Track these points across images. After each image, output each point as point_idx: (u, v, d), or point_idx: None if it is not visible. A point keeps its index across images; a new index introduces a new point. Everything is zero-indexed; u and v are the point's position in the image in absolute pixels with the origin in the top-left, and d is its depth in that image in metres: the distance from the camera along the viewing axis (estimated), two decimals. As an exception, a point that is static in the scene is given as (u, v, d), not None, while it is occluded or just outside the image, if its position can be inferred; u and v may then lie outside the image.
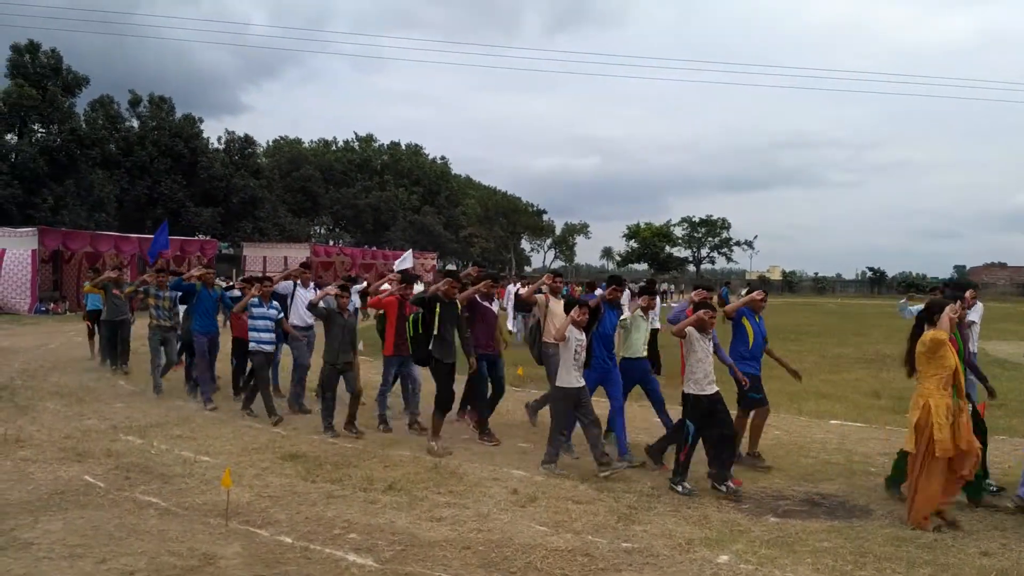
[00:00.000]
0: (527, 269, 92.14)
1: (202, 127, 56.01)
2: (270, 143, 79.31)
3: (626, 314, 8.44)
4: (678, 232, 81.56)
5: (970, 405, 11.02)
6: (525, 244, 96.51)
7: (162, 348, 11.38)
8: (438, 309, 8.36)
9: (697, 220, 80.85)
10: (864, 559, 5.34)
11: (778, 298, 49.10)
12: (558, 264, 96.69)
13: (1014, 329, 29.44)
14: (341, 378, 9.14)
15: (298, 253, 40.80)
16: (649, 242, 78.46)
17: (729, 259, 79.66)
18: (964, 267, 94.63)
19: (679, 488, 6.90)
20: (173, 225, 47.26)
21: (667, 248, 79.18)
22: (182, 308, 11.57)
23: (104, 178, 46.99)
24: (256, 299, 9.80)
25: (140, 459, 7.62)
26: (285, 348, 10.84)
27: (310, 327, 10.83)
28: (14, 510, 5.98)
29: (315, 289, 11.01)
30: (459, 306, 8.66)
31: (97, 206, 45.55)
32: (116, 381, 12.38)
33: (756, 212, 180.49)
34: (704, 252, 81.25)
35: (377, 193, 74.89)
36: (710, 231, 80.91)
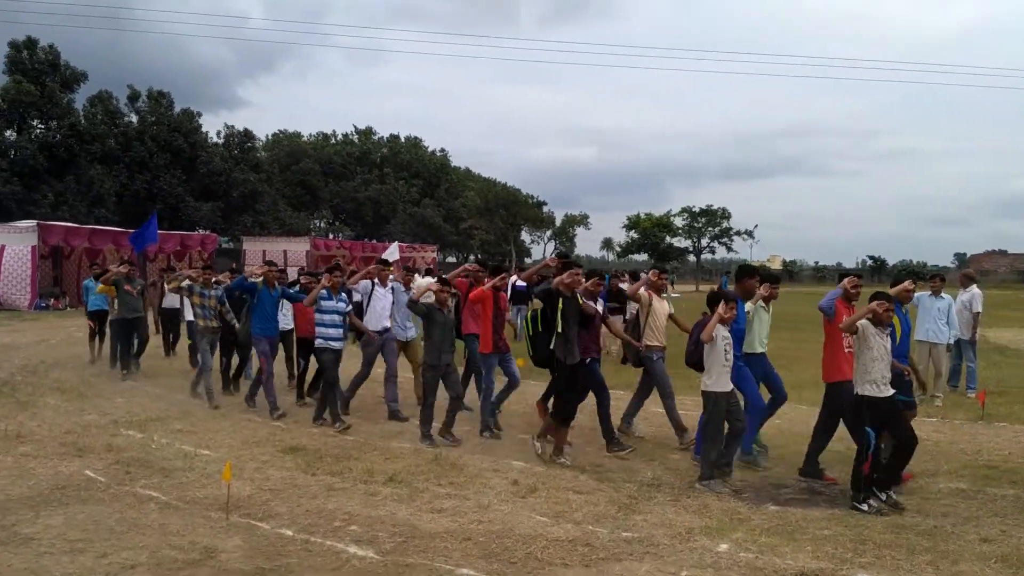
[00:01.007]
0: (527, 260, 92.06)
1: (201, 121, 55.97)
2: (269, 137, 79.22)
3: (748, 306, 7.74)
4: (678, 222, 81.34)
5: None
6: (525, 236, 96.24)
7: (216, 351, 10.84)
8: (560, 304, 7.52)
9: (697, 210, 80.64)
10: (864, 546, 5.35)
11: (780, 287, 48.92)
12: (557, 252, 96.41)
13: (1015, 316, 29.44)
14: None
15: (298, 247, 40.82)
16: (649, 232, 78.27)
17: (730, 248, 79.39)
18: (965, 255, 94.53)
19: (865, 507, 6.21)
20: (173, 220, 47.39)
21: (667, 238, 79.03)
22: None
23: (103, 173, 46.98)
24: (325, 291, 9.16)
25: (140, 453, 7.63)
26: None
27: (387, 330, 9.89)
28: (15, 505, 5.99)
29: (386, 288, 10.03)
30: (580, 300, 7.84)
31: (97, 202, 45.57)
32: (119, 376, 12.35)
33: (756, 201, 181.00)
34: (704, 242, 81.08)
35: (377, 186, 74.77)
36: (710, 221, 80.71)
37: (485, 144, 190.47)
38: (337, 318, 9.20)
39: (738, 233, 78.75)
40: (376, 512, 5.98)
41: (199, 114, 55.91)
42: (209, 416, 9.53)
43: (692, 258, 76.58)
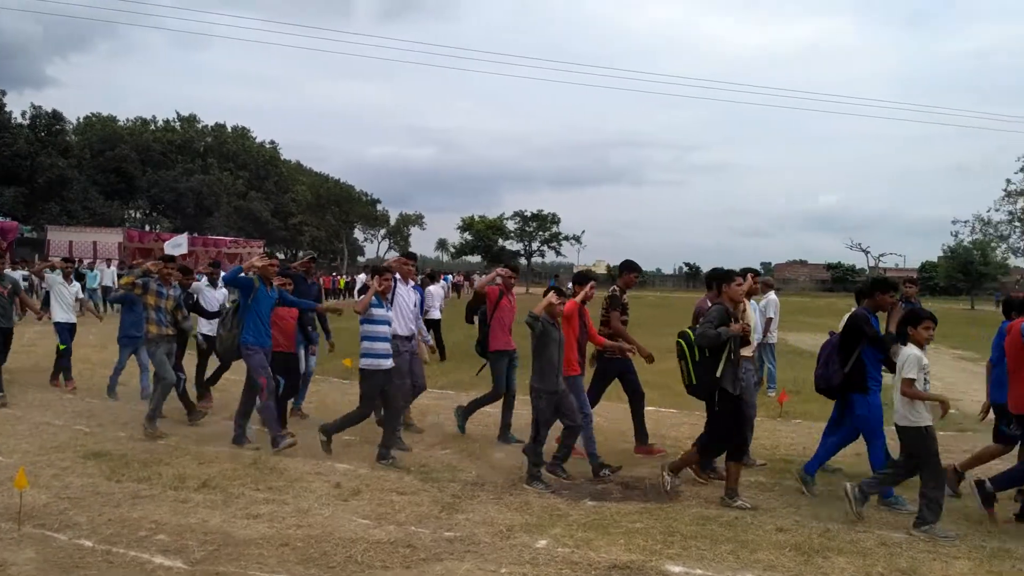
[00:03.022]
0: (360, 259, 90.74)
1: (4, 100, 51.31)
2: (81, 120, 73.75)
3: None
4: (510, 225, 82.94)
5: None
6: (358, 234, 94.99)
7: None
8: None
9: (529, 214, 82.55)
10: (672, 538, 5.63)
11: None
12: (393, 255, 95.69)
13: (813, 321, 32.01)
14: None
15: (110, 238, 38.38)
16: (483, 234, 79.29)
17: (558, 253, 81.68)
18: (770, 263, 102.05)
19: None
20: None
21: (500, 241, 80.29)
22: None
23: None
24: (376, 297, 7.70)
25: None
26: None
27: (412, 336, 8.70)
28: None
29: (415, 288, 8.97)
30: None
31: None
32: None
33: (585, 208, 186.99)
34: (535, 246, 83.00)
35: (200, 176, 71.34)
36: (541, 225, 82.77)
37: (318, 138, 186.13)
38: (388, 330, 7.80)
39: (567, 238, 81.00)
40: (186, 520, 5.68)
41: (3, 92, 51.30)
42: (2, 419, 8.73)
43: (523, 261, 78.10)
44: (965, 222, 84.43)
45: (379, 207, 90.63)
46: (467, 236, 79.65)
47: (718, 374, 6.56)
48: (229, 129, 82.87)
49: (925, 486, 6.01)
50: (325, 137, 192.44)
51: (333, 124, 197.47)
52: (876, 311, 7.03)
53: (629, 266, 8.74)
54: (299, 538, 5.41)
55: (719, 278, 7.08)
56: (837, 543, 5.65)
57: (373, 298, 7.62)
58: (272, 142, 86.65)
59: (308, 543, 5.32)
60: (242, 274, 8.04)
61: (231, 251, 43.36)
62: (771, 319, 12.65)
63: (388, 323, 7.78)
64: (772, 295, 12.93)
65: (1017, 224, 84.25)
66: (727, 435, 6.63)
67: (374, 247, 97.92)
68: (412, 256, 9.33)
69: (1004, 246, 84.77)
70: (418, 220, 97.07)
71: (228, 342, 8.15)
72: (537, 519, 5.97)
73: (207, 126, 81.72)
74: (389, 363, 7.62)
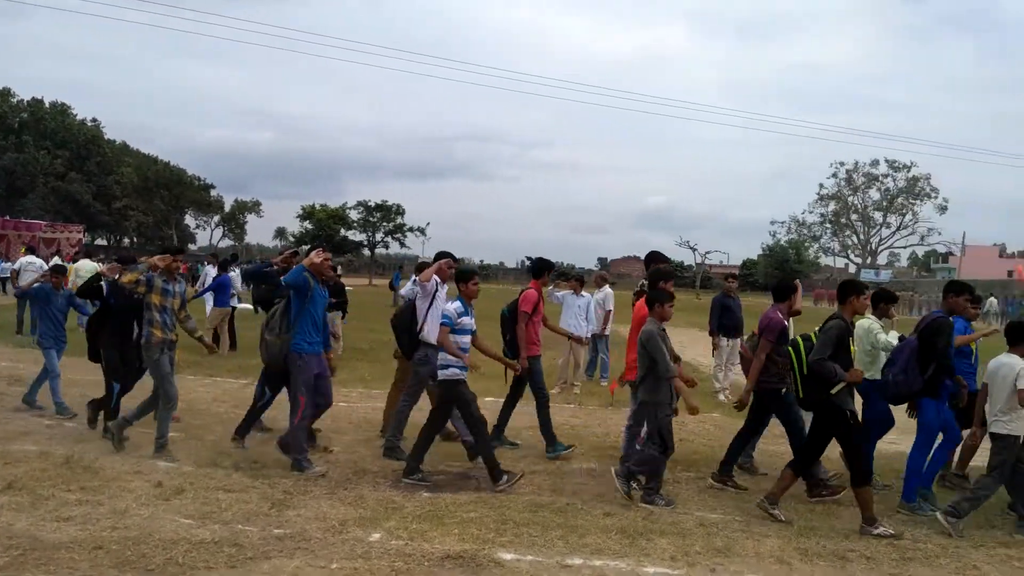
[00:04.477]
0: (191, 247, 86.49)
1: None
2: None
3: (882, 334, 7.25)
4: (354, 215, 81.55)
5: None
6: (190, 220, 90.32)
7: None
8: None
9: (373, 204, 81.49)
10: (505, 526, 5.74)
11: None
12: (227, 243, 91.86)
13: (644, 314, 33.38)
14: None
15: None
16: (324, 224, 77.51)
17: (403, 244, 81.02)
18: (606, 259, 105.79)
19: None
20: None
21: (342, 231, 78.84)
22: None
23: None
24: (460, 301, 7.10)
25: None
26: None
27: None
28: None
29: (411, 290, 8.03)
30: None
31: None
32: None
33: (430, 200, 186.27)
34: (379, 236, 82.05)
35: (13, 155, 65.78)
36: (385, 216, 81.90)
37: (147, 118, 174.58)
38: (469, 337, 7.20)
39: (411, 230, 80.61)
40: (-13, 525, 5.23)
41: None
42: None
43: (367, 252, 77.06)
44: (782, 223, 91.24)
45: (213, 192, 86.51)
46: (307, 225, 77.64)
47: (833, 392, 6.20)
48: (47, 105, 76.76)
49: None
50: (154, 117, 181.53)
51: (164, 104, 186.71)
52: (951, 315, 7.06)
53: (658, 258, 8.31)
54: (115, 540, 5.10)
55: (846, 289, 6.59)
56: (659, 525, 5.95)
57: (461, 307, 7.06)
58: (95, 120, 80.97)
59: (124, 545, 5.02)
60: (293, 275, 7.06)
61: (47, 235, 40.21)
62: (610, 311, 13.12)
63: (472, 332, 7.22)
64: (608, 289, 13.43)
65: (828, 225, 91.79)
66: (857, 451, 6.31)
67: (207, 234, 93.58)
68: (455, 258, 8.16)
69: (816, 246, 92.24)
70: (255, 207, 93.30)
71: (276, 349, 7.20)
72: (371, 513, 5.91)
73: (22, 101, 75.35)
74: (464, 373, 7.06)
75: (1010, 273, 75.87)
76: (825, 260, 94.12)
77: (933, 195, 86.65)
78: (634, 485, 6.67)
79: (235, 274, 16.24)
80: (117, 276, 7.95)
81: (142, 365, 7.84)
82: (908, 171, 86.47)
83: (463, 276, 7.29)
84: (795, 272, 76.42)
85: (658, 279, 7.36)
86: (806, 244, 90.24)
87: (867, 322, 7.33)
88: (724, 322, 12.15)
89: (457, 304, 7.04)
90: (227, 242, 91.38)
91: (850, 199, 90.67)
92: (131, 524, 5.41)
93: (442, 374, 6.97)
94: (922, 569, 5.41)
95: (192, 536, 5.23)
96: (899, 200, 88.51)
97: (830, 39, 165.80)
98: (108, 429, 7.59)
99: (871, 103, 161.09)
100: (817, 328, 6.47)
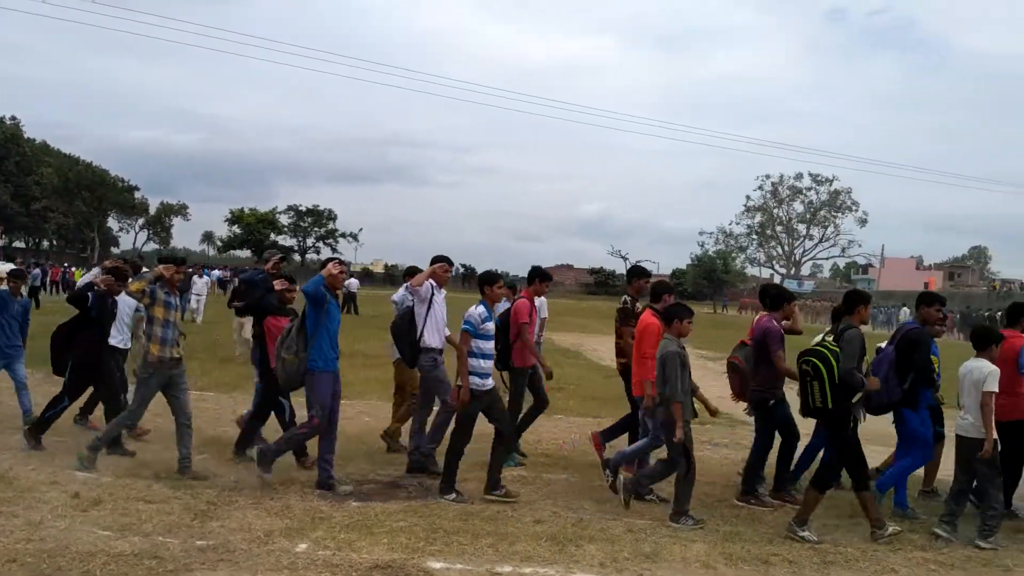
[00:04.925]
0: (114, 251, 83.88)
1: None
2: None
3: None
4: (284, 220, 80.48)
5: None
6: (113, 223, 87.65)
7: (172, 399, 7.13)
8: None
9: (304, 209, 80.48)
10: (435, 535, 5.71)
11: (381, 290, 51.00)
12: (152, 247, 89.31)
13: (577, 322, 33.80)
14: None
15: None
16: (253, 228, 76.25)
17: (334, 250, 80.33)
18: (540, 267, 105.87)
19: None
20: None
21: (272, 235, 77.62)
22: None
23: None
24: (483, 307, 6.84)
25: None
26: None
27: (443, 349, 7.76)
28: None
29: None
30: None
31: None
32: None
33: (363, 205, 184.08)
34: (310, 242, 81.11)
35: (-78, 152, 62.88)
36: (316, 221, 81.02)
37: (68, 117, 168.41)
38: (493, 345, 6.98)
39: (343, 235, 79.83)
40: None
41: None
42: None
43: (297, 257, 75.98)
44: (710, 233, 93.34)
45: (137, 195, 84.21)
46: (236, 229, 76.30)
47: (855, 400, 6.37)
48: (-41, 100, 73.75)
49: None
50: (76, 116, 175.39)
51: (86, 103, 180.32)
52: (924, 324, 7.16)
53: (640, 272, 8.29)
54: (29, 553, 4.92)
55: (855, 299, 6.76)
56: (589, 531, 6.00)
57: (485, 312, 6.80)
58: (13, 118, 77.95)
59: (40, 558, 4.85)
60: (313, 287, 6.77)
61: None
62: (544, 319, 13.18)
63: (491, 338, 6.96)
64: (542, 297, 13.48)
65: (755, 237, 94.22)
66: (860, 458, 6.32)
67: (130, 237, 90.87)
68: (450, 261, 7.92)
69: (743, 256, 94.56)
70: (182, 210, 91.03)
71: (294, 367, 6.82)
72: (298, 523, 5.81)
73: (-69, 95, 72.32)
74: (491, 382, 6.85)
75: (926, 285, 78.99)
76: (751, 270, 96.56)
77: (854, 208, 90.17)
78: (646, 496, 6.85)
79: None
80: (106, 288, 7.76)
81: (122, 376, 7.72)
82: (830, 184, 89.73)
83: (488, 279, 7.05)
84: (722, 282, 78.21)
85: (662, 292, 7.44)
86: (733, 255, 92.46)
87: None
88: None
89: (481, 309, 6.80)
90: (152, 246, 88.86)
91: (775, 211, 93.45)
92: (47, 536, 5.22)
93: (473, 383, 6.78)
94: (843, 572, 5.56)
95: (110, 548, 5.07)
96: (822, 213, 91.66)
97: (757, 54, 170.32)
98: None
99: (796, 117, 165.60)
100: (827, 338, 6.59)
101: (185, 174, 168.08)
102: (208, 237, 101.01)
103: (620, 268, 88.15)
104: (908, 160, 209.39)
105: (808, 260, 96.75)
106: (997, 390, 6.27)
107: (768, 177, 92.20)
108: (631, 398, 7.67)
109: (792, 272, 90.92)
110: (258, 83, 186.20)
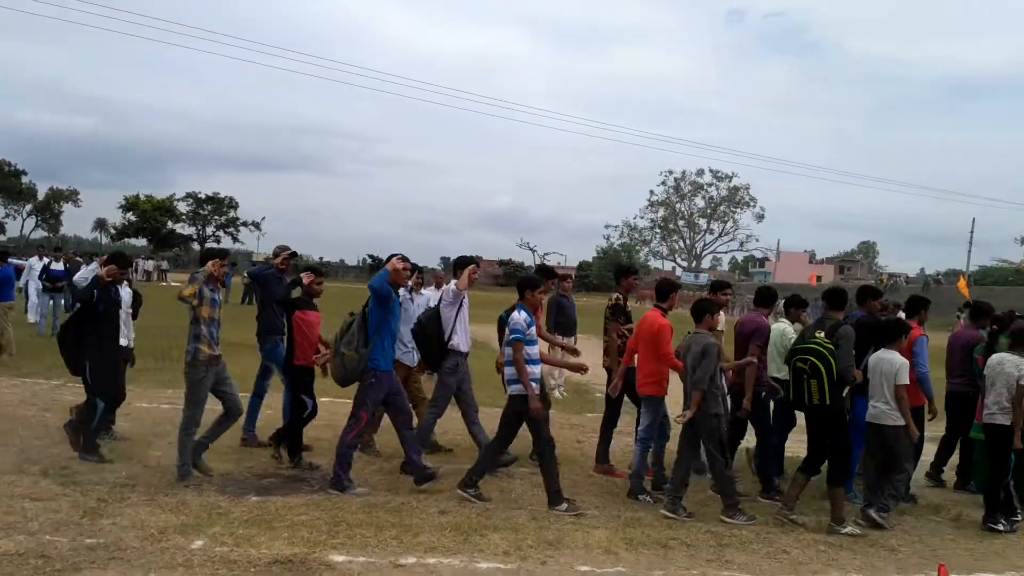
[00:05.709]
0: (0, 237, 79.60)
1: None
2: None
3: None
4: (182, 208, 77.86)
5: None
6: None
7: (223, 396, 6.95)
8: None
9: (203, 196, 78.04)
10: (338, 528, 5.65)
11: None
12: (40, 235, 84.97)
13: (487, 314, 33.78)
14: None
15: None
16: (149, 216, 73.49)
17: (236, 239, 78.34)
18: (448, 258, 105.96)
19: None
20: None
21: (169, 223, 75.03)
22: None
23: None
24: (528, 315, 6.75)
25: None
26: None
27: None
28: None
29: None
30: None
31: None
32: None
33: (268, 193, 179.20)
34: (210, 230, 78.75)
35: None
36: (217, 209, 78.69)
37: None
38: (538, 351, 6.77)
39: (245, 224, 77.86)
40: None
41: None
42: None
43: (196, 246, 73.64)
44: (616, 227, 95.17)
45: (25, 179, 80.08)
46: (131, 217, 73.38)
47: (844, 394, 6.58)
48: None
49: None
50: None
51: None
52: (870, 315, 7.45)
53: (627, 270, 8.39)
54: (-101, 557, 4.63)
55: (842, 297, 7.18)
56: (493, 521, 6.05)
57: (528, 317, 6.67)
58: None
59: (-90, 564, 4.57)
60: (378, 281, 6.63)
61: None
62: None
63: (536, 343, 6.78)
64: (447, 286, 13.49)
65: (658, 230, 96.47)
66: (848, 453, 6.68)
67: (17, 224, 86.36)
68: (476, 263, 8.14)
69: (647, 249, 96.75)
70: (72, 196, 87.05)
71: (354, 364, 6.60)
72: (195, 519, 5.66)
73: None
74: (536, 388, 6.61)
75: (819, 279, 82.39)
76: (654, 263, 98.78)
77: (752, 204, 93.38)
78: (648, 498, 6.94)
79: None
80: (111, 278, 7.33)
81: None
82: (730, 181, 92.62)
83: (529, 284, 6.95)
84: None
85: (669, 291, 7.52)
86: (637, 248, 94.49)
87: (781, 325, 7.81)
88: (559, 320, 12.46)
89: (524, 315, 6.70)
90: (40, 233, 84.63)
91: (678, 206, 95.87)
92: (-81, 539, 4.93)
93: (512, 388, 6.66)
94: (737, 554, 5.77)
95: (-8, 549, 4.83)
96: (722, 208, 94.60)
97: (662, 54, 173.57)
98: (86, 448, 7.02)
99: (697, 115, 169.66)
100: (819, 334, 6.60)
101: (77, 159, 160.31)
102: (101, 224, 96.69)
103: (529, 260, 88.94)
104: (801, 159, 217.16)
105: (708, 254, 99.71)
106: (908, 382, 6.61)
107: (671, 172, 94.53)
108: (608, 397, 7.90)
109: (693, 265, 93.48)
110: (156, 67, 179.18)
